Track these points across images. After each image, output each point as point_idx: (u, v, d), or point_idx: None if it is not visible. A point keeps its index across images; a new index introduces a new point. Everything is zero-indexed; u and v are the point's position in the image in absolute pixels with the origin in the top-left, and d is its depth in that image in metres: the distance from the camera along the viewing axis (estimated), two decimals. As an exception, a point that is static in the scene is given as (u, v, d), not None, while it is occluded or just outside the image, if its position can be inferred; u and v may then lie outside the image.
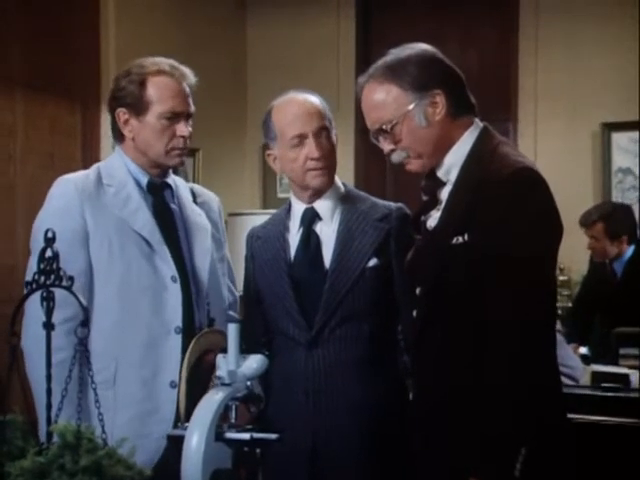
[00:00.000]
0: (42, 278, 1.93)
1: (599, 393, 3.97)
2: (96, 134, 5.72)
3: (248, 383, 2.14)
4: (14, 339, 1.95)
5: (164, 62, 2.84)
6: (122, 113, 2.83)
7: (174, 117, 2.80)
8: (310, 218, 2.87)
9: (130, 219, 2.77)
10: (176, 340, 2.74)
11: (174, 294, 2.76)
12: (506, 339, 2.21)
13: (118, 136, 2.88)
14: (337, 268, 2.82)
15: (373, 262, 2.82)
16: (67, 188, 2.78)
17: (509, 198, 2.26)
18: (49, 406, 1.91)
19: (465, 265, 2.29)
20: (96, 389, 1.95)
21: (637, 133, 6.17)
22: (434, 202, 2.46)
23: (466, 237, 2.30)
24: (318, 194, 2.87)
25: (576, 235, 5.51)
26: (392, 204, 2.91)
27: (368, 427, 2.79)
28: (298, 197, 2.90)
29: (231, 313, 2.96)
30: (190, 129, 2.84)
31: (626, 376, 4.12)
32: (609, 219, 5.58)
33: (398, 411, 2.78)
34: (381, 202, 2.93)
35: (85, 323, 1.93)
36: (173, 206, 2.89)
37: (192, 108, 2.85)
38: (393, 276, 2.81)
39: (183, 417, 2.48)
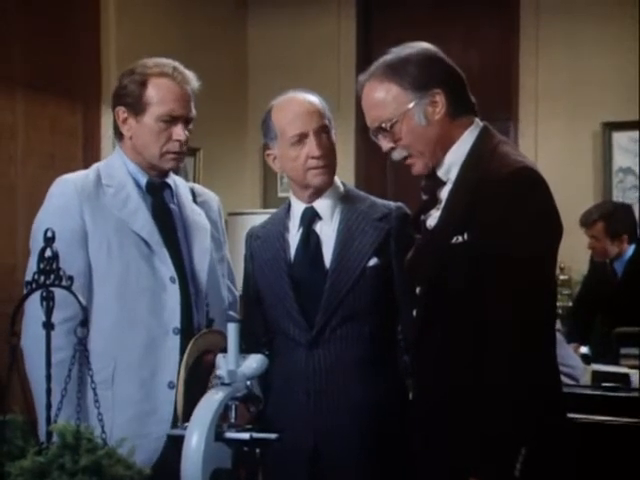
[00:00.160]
0: (42, 278, 1.93)
1: (599, 393, 3.97)
2: (97, 134, 5.72)
3: (248, 383, 2.14)
4: (14, 339, 1.95)
5: (168, 64, 2.84)
6: (121, 112, 2.83)
7: (172, 120, 2.79)
8: (310, 218, 2.87)
9: (129, 219, 2.77)
10: (174, 341, 2.74)
11: (173, 295, 2.76)
12: (506, 339, 2.21)
13: (118, 134, 2.88)
14: (337, 268, 2.82)
15: (373, 262, 2.82)
16: (66, 188, 2.78)
17: (509, 197, 2.26)
18: (49, 406, 1.92)
19: (465, 265, 2.29)
20: (96, 389, 1.95)
21: (638, 133, 6.17)
22: (434, 201, 2.46)
23: (466, 236, 2.30)
24: (318, 193, 2.87)
25: (577, 234, 5.51)
26: (391, 203, 2.91)
27: (369, 427, 2.79)
28: (298, 196, 2.90)
29: (231, 313, 2.95)
30: (188, 134, 2.82)
31: (626, 376, 4.12)
32: (610, 218, 5.58)
33: (399, 411, 2.78)
34: (380, 201, 2.93)
35: (84, 323, 1.93)
36: (172, 206, 2.88)
37: (192, 113, 2.84)
38: (393, 276, 2.81)
39: (181, 418, 2.48)
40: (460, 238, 2.31)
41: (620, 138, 6.28)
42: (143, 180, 2.85)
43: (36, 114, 5.39)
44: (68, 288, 1.91)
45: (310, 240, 2.86)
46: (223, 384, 2.11)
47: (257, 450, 2.11)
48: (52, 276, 1.92)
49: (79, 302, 1.92)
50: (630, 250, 5.61)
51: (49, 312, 1.92)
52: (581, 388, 4.13)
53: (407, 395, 2.78)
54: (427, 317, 2.40)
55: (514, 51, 6.56)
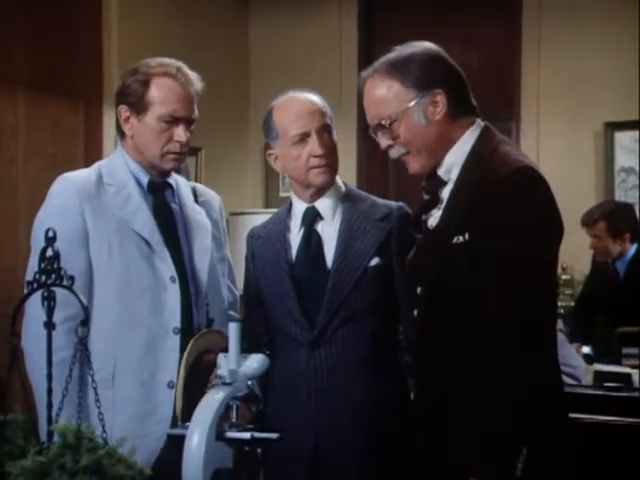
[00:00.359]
0: (43, 277, 1.93)
1: (601, 393, 3.97)
2: (99, 134, 5.72)
3: (249, 382, 2.14)
4: (15, 339, 1.95)
5: (171, 64, 2.83)
6: (124, 110, 2.83)
7: (174, 121, 2.79)
8: (311, 217, 2.87)
9: (130, 219, 2.77)
10: (174, 341, 2.73)
11: (173, 295, 2.76)
12: (506, 338, 2.21)
13: (120, 133, 2.88)
14: (339, 268, 2.81)
15: (375, 261, 2.82)
16: (67, 187, 2.78)
17: (509, 197, 2.26)
18: (50, 405, 1.91)
19: (466, 265, 2.29)
20: (97, 388, 1.95)
21: (639, 132, 6.16)
22: (435, 201, 2.46)
23: (467, 236, 2.30)
24: (320, 192, 2.87)
25: (579, 234, 5.51)
26: (393, 203, 2.91)
27: (370, 427, 2.79)
28: (299, 196, 2.90)
29: (231, 313, 2.95)
30: (189, 135, 2.82)
31: (628, 376, 4.12)
32: (611, 217, 5.58)
33: (400, 411, 2.78)
34: (381, 201, 2.93)
35: (85, 322, 1.93)
36: (174, 206, 2.88)
37: (195, 114, 2.83)
38: (394, 275, 2.81)
39: (180, 418, 2.48)
40: (461, 238, 2.31)
41: (622, 138, 6.27)
42: (144, 179, 2.85)
43: (38, 114, 5.40)
44: (69, 288, 1.91)
45: (311, 240, 2.86)
46: (224, 384, 2.11)
47: (258, 450, 2.11)
48: (53, 276, 1.92)
49: (80, 302, 1.92)
50: (632, 249, 5.61)
51: (50, 312, 1.92)
52: (583, 388, 4.13)
53: (408, 395, 2.78)
54: (428, 317, 2.40)
55: (516, 51, 6.55)
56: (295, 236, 2.89)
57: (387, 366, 2.84)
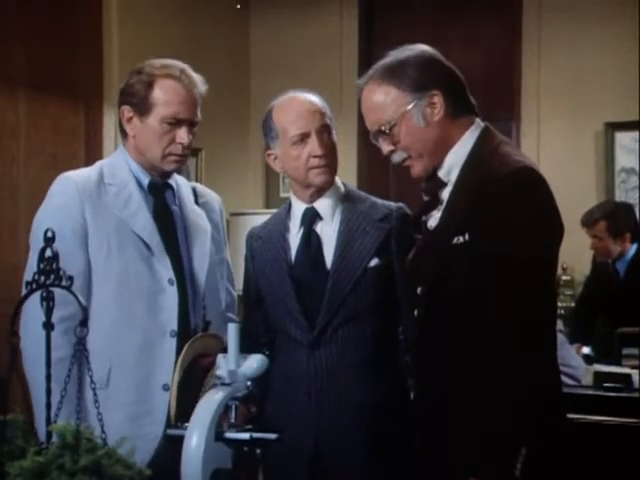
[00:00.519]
0: (42, 278, 1.93)
1: (601, 393, 3.97)
2: (99, 134, 5.72)
3: (248, 383, 2.14)
4: (14, 338, 1.95)
5: (176, 66, 2.82)
6: (127, 110, 2.83)
7: (176, 123, 2.78)
8: (311, 218, 2.87)
9: (130, 220, 2.77)
10: (171, 343, 2.73)
11: (170, 297, 2.76)
12: (506, 339, 2.21)
13: (122, 133, 2.88)
14: (339, 268, 2.81)
15: (374, 262, 2.82)
16: (68, 186, 2.78)
17: (509, 197, 2.26)
18: (49, 405, 1.91)
19: (465, 265, 2.29)
20: (95, 389, 1.94)
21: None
22: (435, 202, 2.46)
23: (467, 237, 2.30)
24: (320, 192, 2.86)
25: (579, 235, 5.51)
26: (392, 204, 2.91)
27: (370, 427, 2.79)
28: (299, 196, 2.90)
29: (230, 315, 2.95)
30: (192, 137, 2.82)
31: (628, 376, 4.12)
32: (611, 217, 5.58)
33: (400, 411, 2.77)
34: (381, 202, 2.93)
35: (84, 323, 1.93)
36: (174, 207, 2.88)
37: (198, 117, 2.83)
38: (394, 276, 2.81)
39: (173, 420, 2.48)
40: (461, 238, 2.31)
41: (623, 138, 6.28)
42: (145, 180, 2.84)
43: (38, 114, 5.40)
44: (68, 288, 1.91)
45: (311, 240, 2.86)
46: (223, 384, 2.11)
47: (257, 450, 2.11)
48: (52, 276, 1.92)
49: (79, 302, 1.92)
50: (632, 250, 5.61)
51: (49, 312, 1.92)
52: (583, 389, 4.13)
53: (408, 395, 2.78)
54: (428, 317, 2.40)
55: (516, 51, 6.55)
56: (294, 236, 2.89)
57: (387, 366, 2.84)
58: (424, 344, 2.43)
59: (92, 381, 1.93)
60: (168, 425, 2.57)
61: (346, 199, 2.90)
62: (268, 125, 2.87)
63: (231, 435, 2.06)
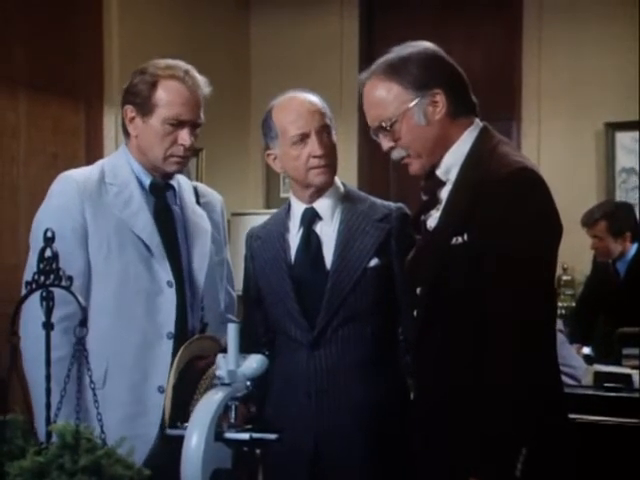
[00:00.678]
0: (41, 278, 1.93)
1: (601, 393, 3.97)
2: (100, 134, 5.72)
3: (248, 383, 2.14)
4: (14, 338, 1.95)
5: (180, 67, 2.82)
6: (129, 110, 2.82)
7: (179, 124, 2.78)
8: (310, 218, 2.87)
9: (130, 221, 2.76)
10: (168, 345, 2.73)
11: (169, 299, 2.76)
12: (506, 339, 2.21)
13: (124, 132, 2.88)
14: (338, 268, 2.81)
15: (374, 262, 2.82)
16: (68, 186, 2.77)
17: (508, 198, 2.26)
18: (48, 405, 1.91)
19: (465, 265, 2.29)
20: (94, 389, 1.94)
21: (640, 133, 6.17)
22: (434, 202, 2.46)
23: (465, 237, 2.30)
24: (319, 193, 2.86)
25: (580, 235, 5.52)
26: (392, 204, 2.91)
27: (370, 427, 2.79)
28: (298, 197, 2.90)
29: (229, 316, 2.95)
30: (194, 139, 2.81)
31: (629, 376, 4.12)
32: (612, 217, 5.58)
33: (400, 411, 2.77)
34: (380, 202, 2.93)
35: (84, 323, 1.93)
36: (175, 208, 2.87)
37: (201, 118, 2.82)
38: (394, 276, 2.81)
39: (168, 422, 2.47)
40: (460, 239, 2.31)
41: (623, 138, 6.27)
42: (147, 180, 2.84)
43: (38, 114, 5.39)
44: (67, 288, 1.91)
45: (311, 241, 2.86)
46: (223, 384, 2.11)
47: (257, 450, 2.11)
48: (52, 276, 1.92)
49: (78, 302, 1.92)
50: (633, 249, 5.61)
51: (49, 312, 1.92)
52: (583, 389, 4.13)
53: (408, 395, 2.78)
54: (427, 317, 2.40)
55: (517, 51, 6.55)
56: (294, 237, 2.89)
57: (387, 366, 2.84)
58: (424, 344, 2.42)
59: (92, 381, 1.93)
60: (162, 427, 2.57)
61: (346, 199, 2.90)
62: (268, 125, 2.87)
63: (231, 435, 2.07)
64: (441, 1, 6.79)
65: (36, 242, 2.57)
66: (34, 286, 1.93)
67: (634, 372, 4.16)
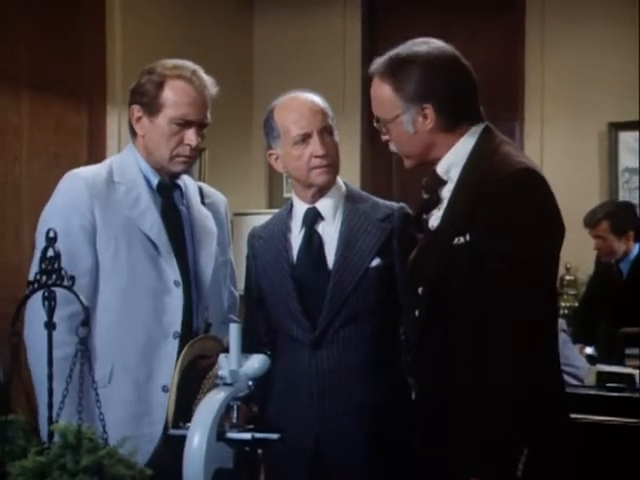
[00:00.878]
0: (44, 277, 1.93)
1: (604, 393, 3.97)
2: (102, 134, 5.72)
3: (250, 383, 2.14)
4: (14, 338, 1.95)
5: (187, 67, 2.82)
6: (136, 110, 2.82)
7: (185, 124, 2.78)
8: (312, 218, 2.87)
9: (139, 220, 2.77)
10: (173, 345, 2.73)
11: (176, 298, 2.76)
12: (507, 339, 2.21)
13: (131, 132, 2.87)
14: (340, 268, 2.81)
15: (376, 262, 2.82)
16: (77, 183, 2.77)
17: (510, 198, 2.25)
18: (50, 405, 1.91)
19: (466, 265, 2.29)
20: (97, 388, 1.94)
21: (643, 133, 6.16)
22: (435, 201, 2.45)
23: (468, 237, 2.30)
24: (321, 193, 2.86)
25: (583, 235, 5.52)
26: (394, 204, 2.91)
27: (372, 427, 2.79)
28: (300, 197, 2.90)
29: (231, 317, 2.95)
30: (200, 139, 2.81)
31: (631, 376, 4.12)
32: (614, 216, 5.58)
33: (402, 411, 2.77)
34: (382, 202, 2.93)
35: (86, 323, 1.92)
36: (182, 208, 2.88)
37: (207, 119, 2.82)
38: (396, 276, 2.81)
39: (171, 421, 2.48)
40: (462, 239, 2.30)
41: (626, 138, 6.27)
42: (154, 180, 2.84)
43: (41, 114, 5.39)
44: (70, 288, 1.91)
45: (313, 240, 2.85)
46: (225, 384, 2.11)
47: (259, 450, 2.11)
48: (54, 276, 1.92)
49: (81, 302, 1.92)
50: (636, 249, 5.61)
51: (51, 312, 1.92)
52: (586, 388, 4.13)
53: (410, 395, 2.77)
54: (429, 317, 2.40)
55: (519, 51, 6.55)
56: (296, 237, 2.89)
57: (388, 366, 2.84)
58: (425, 344, 2.42)
59: (94, 380, 1.93)
60: (166, 426, 2.57)
61: (348, 199, 2.89)
62: (270, 125, 2.87)
63: (233, 435, 2.06)
64: (444, 2, 6.79)
65: (42, 241, 2.57)
66: (36, 286, 1.93)
67: (637, 372, 4.17)
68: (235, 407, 2.10)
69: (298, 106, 2.85)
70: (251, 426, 2.11)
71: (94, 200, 2.74)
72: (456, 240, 2.31)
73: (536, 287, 2.24)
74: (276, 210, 3.12)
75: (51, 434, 1.87)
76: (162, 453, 2.59)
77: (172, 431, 2.27)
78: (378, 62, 2.49)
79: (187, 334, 2.74)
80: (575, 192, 5.72)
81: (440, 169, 2.43)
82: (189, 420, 2.09)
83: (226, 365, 2.13)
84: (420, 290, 2.42)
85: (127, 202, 2.77)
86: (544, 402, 2.23)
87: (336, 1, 7.01)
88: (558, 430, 2.30)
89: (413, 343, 2.53)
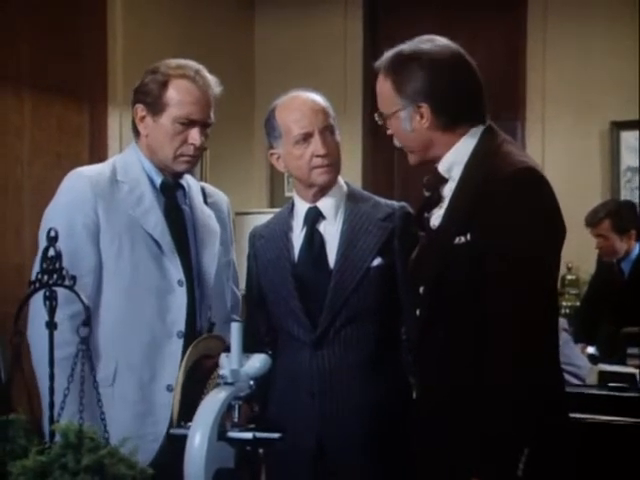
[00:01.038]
0: (45, 277, 1.93)
1: (606, 393, 3.96)
2: (104, 134, 5.72)
3: (251, 382, 2.14)
4: (16, 338, 1.95)
5: (191, 66, 2.82)
6: (140, 109, 2.82)
7: (189, 123, 2.78)
8: (314, 217, 2.87)
9: (142, 219, 2.76)
10: (177, 344, 2.73)
11: (179, 298, 2.76)
12: (507, 338, 2.21)
13: (135, 131, 2.87)
14: (341, 268, 2.81)
15: (377, 261, 2.82)
16: (80, 182, 2.77)
17: (511, 197, 2.25)
18: (52, 404, 1.91)
19: (467, 265, 2.29)
20: (98, 388, 1.94)
21: (645, 132, 6.16)
22: (437, 199, 2.45)
23: (469, 237, 2.29)
24: (322, 192, 2.86)
25: (585, 234, 5.52)
26: (395, 203, 2.91)
27: (373, 427, 2.79)
28: (302, 196, 2.90)
29: (234, 316, 2.95)
30: (204, 138, 2.81)
31: (633, 376, 4.12)
32: (616, 215, 5.58)
33: (402, 411, 2.77)
34: (384, 201, 2.93)
35: (87, 322, 1.92)
36: (185, 207, 2.88)
37: (211, 118, 2.83)
38: (397, 275, 2.81)
39: (175, 421, 2.48)
40: (463, 238, 2.30)
41: (628, 137, 6.26)
42: (158, 179, 2.84)
43: (43, 114, 5.39)
44: (71, 288, 1.91)
45: (314, 240, 2.86)
46: (226, 383, 2.11)
47: (260, 450, 2.11)
48: (55, 275, 1.92)
49: (82, 302, 1.92)
50: (637, 248, 5.61)
51: (52, 312, 1.92)
52: (587, 388, 4.13)
53: (411, 395, 2.77)
54: (430, 317, 2.40)
55: (521, 51, 6.54)
56: (297, 236, 2.89)
57: (389, 366, 2.84)
58: (425, 344, 2.42)
59: (95, 380, 1.93)
60: (171, 426, 2.57)
61: (349, 198, 2.90)
62: (271, 124, 2.87)
63: (234, 434, 2.06)
64: (445, 2, 6.79)
65: (45, 240, 2.57)
66: (37, 285, 1.94)
67: (638, 371, 4.17)
68: (236, 406, 2.10)
69: (299, 105, 2.85)
70: (252, 426, 2.11)
71: (98, 199, 2.74)
72: (457, 239, 2.31)
73: (535, 287, 2.23)
74: (277, 209, 3.12)
75: (52, 433, 1.87)
76: (166, 453, 2.58)
77: (173, 430, 2.27)
78: (384, 57, 2.50)
79: (191, 333, 2.74)
80: (576, 192, 5.72)
81: (442, 167, 2.43)
82: (193, 420, 2.09)
83: (227, 364, 2.13)
84: (421, 289, 2.42)
85: (130, 201, 2.78)
86: (544, 402, 2.23)
87: (337, 1, 7.01)
88: (558, 430, 2.30)
89: (414, 342, 2.53)
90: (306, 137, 2.81)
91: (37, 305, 2.04)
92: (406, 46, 2.47)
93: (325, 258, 2.84)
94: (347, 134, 2.95)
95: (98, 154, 5.51)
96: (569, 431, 2.35)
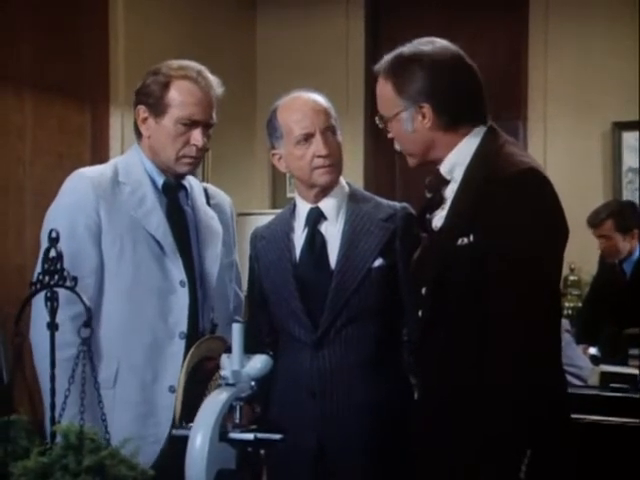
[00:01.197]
0: (46, 278, 1.93)
1: (608, 393, 3.96)
2: (105, 134, 5.71)
3: (252, 383, 2.14)
4: (17, 339, 1.95)
5: (193, 67, 2.82)
6: (142, 111, 2.82)
7: (191, 124, 2.78)
8: (315, 218, 2.87)
9: (144, 220, 2.76)
10: (179, 345, 2.73)
11: (181, 299, 2.76)
12: (507, 339, 2.21)
13: (137, 132, 2.87)
14: (343, 268, 2.81)
15: (379, 262, 2.81)
16: (82, 183, 2.77)
17: (513, 198, 2.25)
18: (53, 405, 1.91)
19: (469, 266, 2.29)
20: (99, 389, 1.94)
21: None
22: (439, 200, 2.45)
23: (471, 238, 2.29)
24: (324, 192, 2.86)
25: (587, 235, 5.51)
26: (397, 204, 2.91)
27: (374, 427, 2.79)
28: (303, 196, 2.90)
29: (236, 318, 2.94)
30: (206, 139, 2.81)
31: (635, 377, 4.11)
32: (618, 215, 5.57)
33: (404, 411, 2.77)
34: (385, 202, 2.93)
35: (88, 323, 1.92)
36: (187, 208, 2.88)
37: (213, 119, 2.82)
38: (398, 276, 2.81)
39: (178, 422, 2.47)
40: (466, 240, 2.30)
41: (629, 138, 6.26)
42: (160, 180, 2.84)
43: (44, 114, 5.39)
44: (72, 289, 1.91)
45: (315, 240, 2.86)
46: (227, 384, 2.11)
47: (261, 451, 2.11)
48: (56, 276, 1.92)
49: (83, 303, 1.91)
50: (639, 249, 5.60)
51: (53, 313, 1.92)
52: (589, 389, 4.13)
53: (412, 396, 2.77)
54: (431, 317, 2.40)
55: (523, 51, 6.54)
56: (299, 237, 2.89)
57: (390, 366, 2.84)
58: (427, 344, 2.42)
59: (96, 381, 1.93)
60: (173, 427, 2.57)
61: (351, 199, 2.90)
62: (273, 125, 2.87)
63: (235, 435, 2.06)
64: (447, 2, 6.78)
65: (47, 240, 2.57)
66: (38, 286, 1.93)
67: (640, 372, 4.16)
68: (237, 407, 2.10)
69: (301, 106, 2.85)
70: (253, 426, 2.11)
71: (100, 200, 2.74)
72: (460, 241, 2.31)
73: (537, 288, 2.23)
74: (279, 210, 3.12)
75: (53, 434, 1.87)
76: (169, 454, 2.58)
77: (175, 431, 2.27)
78: (383, 60, 2.51)
79: (193, 334, 2.74)
80: (578, 192, 5.72)
81: (443, 169, 2.43)
82: (195, 421, 2.09)
83: (228, 365, 2.13)
84: (423, 290, 2.42)
85: (132, 202, 2.77)
86: (546, 403, 2.23)
87: (339, 1, 7.01)
88: (559, 430, 2.30)
89: (416, 343, 2.53)
90: (307, 137, 2.81)
91: (39, 306, 2.05)
92: (406, 48, 2.48)
93: (326, 259, 2.83)
94: (349, 134, 2.95)
95: (100, 154, 5.51)
96: (570, 432, 2.35)
